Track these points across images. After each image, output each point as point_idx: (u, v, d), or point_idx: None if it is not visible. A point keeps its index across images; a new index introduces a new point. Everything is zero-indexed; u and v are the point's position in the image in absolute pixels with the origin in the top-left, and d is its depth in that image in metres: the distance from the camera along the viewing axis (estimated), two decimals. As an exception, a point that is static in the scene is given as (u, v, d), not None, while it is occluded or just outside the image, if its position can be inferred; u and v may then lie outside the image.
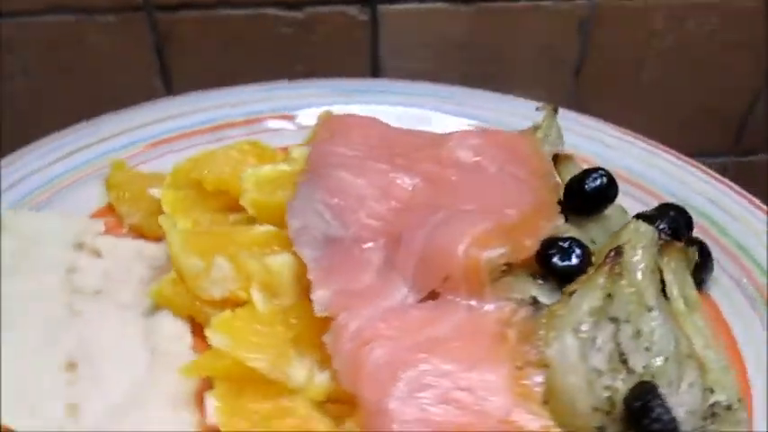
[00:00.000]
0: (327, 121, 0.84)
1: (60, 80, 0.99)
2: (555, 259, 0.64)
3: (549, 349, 0.56)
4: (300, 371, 0.58)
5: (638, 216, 0.72)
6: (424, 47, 1.06)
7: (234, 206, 0.76)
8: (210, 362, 0.58)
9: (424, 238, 0.63)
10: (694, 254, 0.68)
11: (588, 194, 0.75)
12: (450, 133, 0.78)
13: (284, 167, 0.75)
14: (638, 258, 0.63)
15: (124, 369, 0.60)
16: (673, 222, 0.72)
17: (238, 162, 0.78)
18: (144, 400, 0.57)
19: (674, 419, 0.52)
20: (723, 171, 1.12)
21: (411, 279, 0.62)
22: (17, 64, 0.97)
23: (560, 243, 0.65)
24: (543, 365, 0.56)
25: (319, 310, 0.59)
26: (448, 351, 0.55)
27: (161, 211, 0.76)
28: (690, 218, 0.76)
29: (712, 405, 0.57)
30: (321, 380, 0.57)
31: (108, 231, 0.76)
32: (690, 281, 0.67)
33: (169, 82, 1.05)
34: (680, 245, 0.66)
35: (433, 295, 0.62)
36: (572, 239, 0.66)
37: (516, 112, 0.93)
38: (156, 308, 0.67)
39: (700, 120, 1.08)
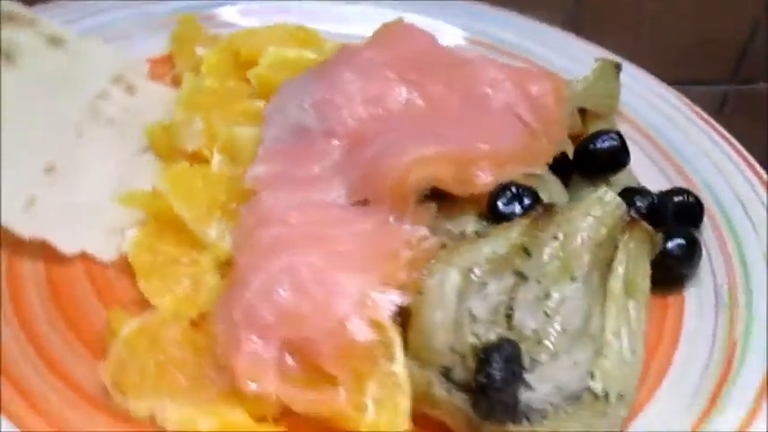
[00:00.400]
0: (389, 26, 0.85)
1: None
2: (499, 202, 0.62)
3: (429, 278, 0.56)
4: (213, 230, 0.62)
5: (626, 190, 0.68)
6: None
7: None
8: (147, 199, 0.64)
9: (377, 147, 0.64)
10: (658, 241, 0.62)
11: (595, 156, 0.71)
12: (476, 59, 0.76)
13: (309, 55, 0.77)
14: (586, 226, 0.60)
15: (90, 184, 0.67)
16: (653, 204, 0.66)
17: (278, 40, 0.81)
18: (87, 213, 0.65)
19: (507, 381, 0.50)
20: (723, 100, 1.06)
21: (350, 183, 0.63)
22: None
23: (512, 189, 0.63)
24: (418, 291, 0.55)
25: (248, 181, 0.62)
26: (333, 250, 0.57)
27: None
28: (699, 208, 0.70)
29: (585, 390, 0.54)
30: (228, 242, 0.61)
31: (152, 76, 0.83)
32: (645, 268, 0.62)
33: None
34: (645, 227, 0.61)
35: (363, 204, 0.62)
36: (527, 188, 0.63)
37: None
38: (145, 149, 0.73)
39: (700, 49, 1.00)
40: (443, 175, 0.61)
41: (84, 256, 0.63)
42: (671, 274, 0.66)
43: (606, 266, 0.61)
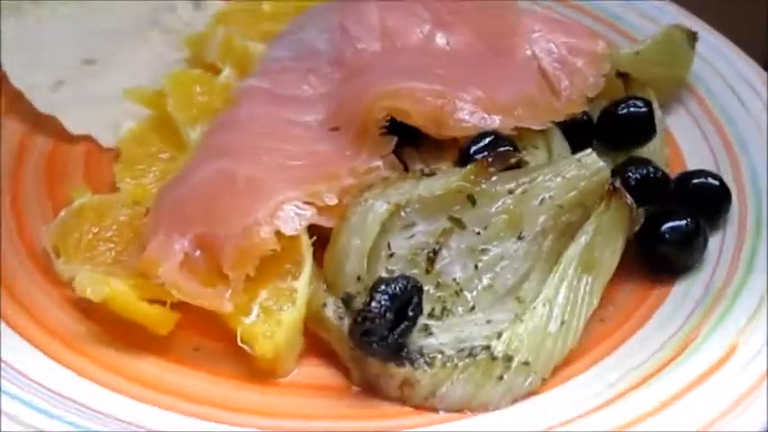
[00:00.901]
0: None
1: None
2: (472, 148, 0.59)
3: (355, 204, 0.54)
4: (198, 133, 0.64)
5: (629, 159, 0.61)
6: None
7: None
8: (150, 96, 0.67)
9: (366, 78, 0.63)
10: (638, 218, 0.55)
11: (617, 123, 0.65)
12: (533, 13, 0.71)
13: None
14: (552, 185, 0.55)
15: (116, 80, 0.72)
16: (648, 178, 0.59)
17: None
18: (101, 103, 0.70)
19: (382, 315, 0.48)
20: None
21: (329, 109, 0.63)
22: None
23: (490, 137, 0.59)
24: (341, 217, 0.54)
25: (233, 92, 0.64)
26: (277, 162, 0.57)
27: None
28: (723, 193, 0.61)
29: (484, 348, 0.50)
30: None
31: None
32: (616, 244, 0.55)
33: None
34: (625, 200, 0.55)
35: (334, 130, 0.62)
36: (506, 139, 0.59)
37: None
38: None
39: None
40: (409, 110, 0.58)
41: (88, 139, 0.67)
42: (662, 260, 0.59)
43: (569, 233, 0.55)
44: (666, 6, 0.81)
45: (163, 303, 0.52)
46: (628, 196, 0.55)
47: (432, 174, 0.56)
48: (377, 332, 0.48)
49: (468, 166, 0.55)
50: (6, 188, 0.63)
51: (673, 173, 0.66)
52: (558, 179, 0.55)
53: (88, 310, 0.54)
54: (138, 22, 0.80)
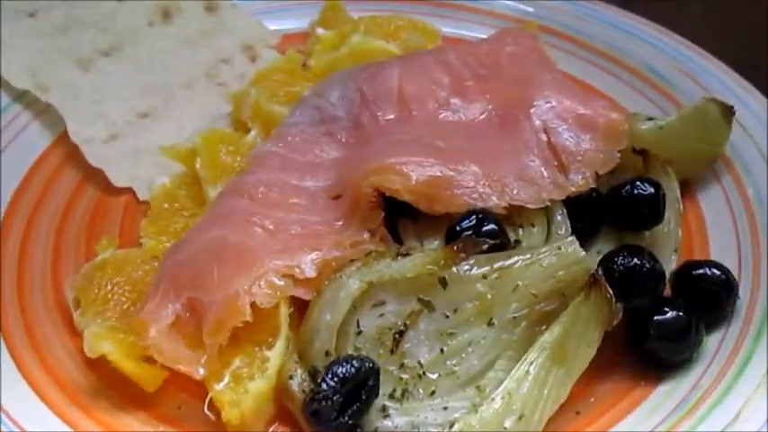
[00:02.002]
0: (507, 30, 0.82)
1: None
2: (458, 227, 0.59)
3: (330, 280, 0.56)
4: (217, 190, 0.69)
5: (623, 246, 0.59)
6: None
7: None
8: (184, 153, 0.73)
9: (372, 148, 0.65)
10: (618, 312, 0.54)
11: (623, 204, 0.64)
12: (558, 83, 0.71)
13: (393, 49, 0.79)
14: (529, 274, 0.55)
15: (165, 136, 0.78)
16: (636, 270, 0.57)
17: (389, 31, 0.84)
18: (142, 159, 0.76)
19: (328, 397, 0.50)
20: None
21: (335, 177, 0.65)
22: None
23: (479, 215, 0.59)
24: (316, 291, 0.57)
25: (249, 157, 0.68)
26: (268, 230, 0.60)
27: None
28: (727, 292, 0.58)
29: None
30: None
31: (282, 49, 0.91)
32: (592, 337, 0.55)
33: None
34: (605, 294, 0.54)
35: (335, 198, 0.64)
36: (495, 220, 0.59)
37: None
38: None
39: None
40: (398, 187, 0.59)
41: (130, 191, 0.74)
42: (649, 355, 0.57)
43: (544, 321, 0.55)
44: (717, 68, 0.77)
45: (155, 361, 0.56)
46: (608, 289, 0.54)
47: (407, 254, 0.57)
48: (325, 412, 0.50)
49: (438, 250, 0.56)
50: (51, 237, 0.70)
51: (690, 256, 0.63)
52: (535, 267, 0.55)
53: (95, 362, 0.58)
54: (195, 74, 0.86)
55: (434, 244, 0.61)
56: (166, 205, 0.71)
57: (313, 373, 0.54)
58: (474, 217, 0.59)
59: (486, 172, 0.62)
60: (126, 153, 0.77)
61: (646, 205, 0.61)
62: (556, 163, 0.65)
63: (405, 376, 0.54)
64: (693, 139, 0.68)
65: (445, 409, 0.52)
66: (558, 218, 0.62)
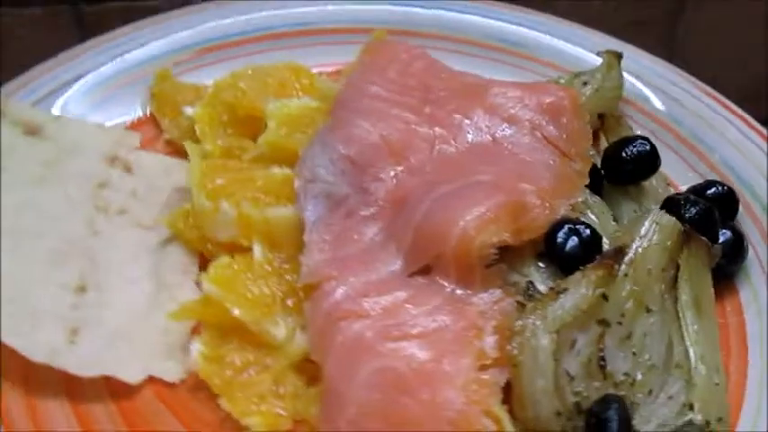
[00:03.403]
0: (373, 44, 0.81)
1: None
2: (560, 242, 0.62)
3: (521, 350, 0.55)
4: (282, 329, 0.60)
5: (669, 200, 0.68)
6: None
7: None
8: (200, 308, 0.61)
9: (426, 208, 0.62)
10: (718, 252, 0.64)
11: (626, 163, 0.71)
12: (490, 82, 0.74)
13: (310, 103, 0.74)
14: (651, 255, 0.60)
15: (128, 298, 0.64)
16: (702, 211, 0.66)
17: (272, 88, 0.77)
18: (139, 335, 0.61)
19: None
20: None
21: (405, 250, 0.62)
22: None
23: (569, 225, 0.62)
24: (512, 364, 0.55)
25: (305, 277, 0.60)
26: (418, 338, 0.56)
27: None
28: (735, 199, 0.71)
29: (687, 423, 0.56)
30: (301, 341, 0.59)
31: (145, 144, 0.78)
32: (707, 280, 0.63)
33: None
34: (701, 239, 0.62)
35: (425, 269, 0.61)
36: (582, 223, 0.63)
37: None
38: (169, 237, 0.69)
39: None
40: (506, 233, 0.59)
41: (151, 381, 0.60)
42: (720, 271, 0.67)
43: (673, 287, 0.61)
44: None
45: None
46: (701, 237, 0.63)
47: (561, 289, 0.58)
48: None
49: (595, 273, 0.58)
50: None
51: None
52: (651, 247, 0.61)
53: None
54: (86, 216, 0.69)
55: (532, 269, 0.63)
56: (225, 373, 0.59)
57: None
58: (565, 227, 0.62)
59: (537, 186, 0.65)
60: (108, 341, 0.61)
61: (650, 157, 0.70)
62: (559, 153, 0.70)
63: (622, 393, 0.57)
64: (611, 89, 0.79)
65: (670, 398, 0.57)
66: (597, 198, 0.69)
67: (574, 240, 0.62)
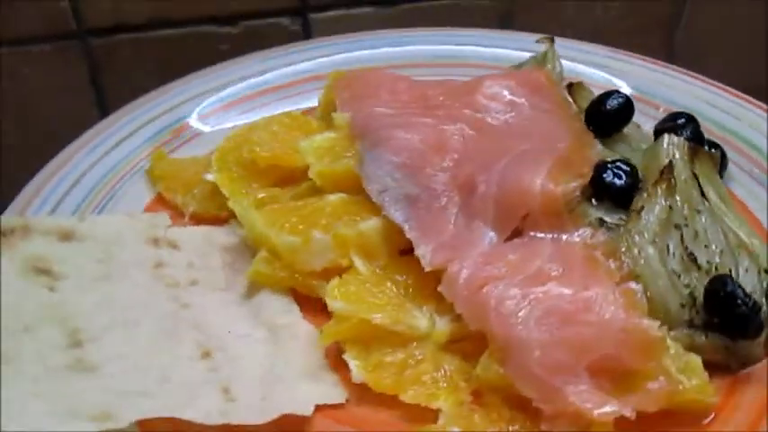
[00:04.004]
0: (342, 80, 0.88)
1: None
2: (609, 180, 0.71)
3: (637, 262, 0.64)
4: (422, 320, 0.63)
5: (660, 131, 0.81)
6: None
7: (285, 179, 0.80)
8: (337, 327, 0.63)
9: (497, 181, 0.69)
10: (718, 156, 0.77)
11: (609, 115, 0.82)
12: (477, 79, 0.83)
13: (332, 135, 0.79)
14: (680, 169, 0.71)
15: (252, 350, 0.64)
16: (693, 131, 0.80)
17: (283, 135, 0.81)
18: (284, 374, 0.62)
19: (755, 302, 0.61)
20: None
21: (492, 222, 0.68)
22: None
23: (610, 165, 0.72)
24: (635, 277, 0.63)
25: (427, 266, 0.64)
26: (554, 279, 0.62)
27: (216, 195, 0.79)
28: (697, 123, 0.85)
29: (768, 283, 0.67)
30: (442, 324, 0.63)
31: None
32: (719, 180, 0.76)
33: (106, 111, 1.05)
34: (706, 150, 0.75)
35: (515, 233, 0.68)
36: (619, 161, 0.73)
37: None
38: (251, 288, 0.70)
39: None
40: (577, 178, 0.68)
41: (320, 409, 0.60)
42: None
43: (701, 191, 0.73)
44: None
45: None
46: (705, 149, 0.76)
47: (641, 208, 0.68)
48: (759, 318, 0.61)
49: (659, 188, 0.68)
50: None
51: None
52: (680, 161, 0.72)
53: None
54: (165, 293, 0.69)
55: (590, 209, 0.72)
56: (393, 373, 0.62)
57: (690, 325, 0.63)
58: (608, 167, 0.72)
59: (567, 142, 0.75)
60: (263, 387, 0.61)
61: (627, 108, 0.83)
62: (561, 118, 0.80)
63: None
64: (554, 68, 0.91)
65: (747, 271, 0.68)
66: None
67: (620, 176, 0.71)
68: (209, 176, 0.79)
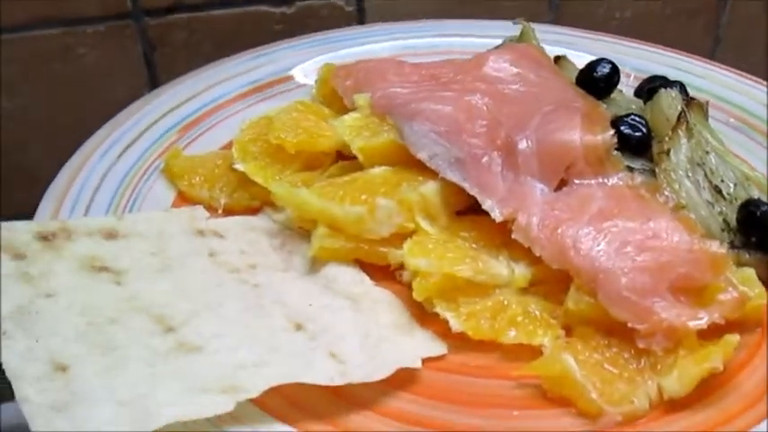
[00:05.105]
0: (340, 71, 0.90)
1: (48, 96, 0.93)
2: (628, 131, 0.77)
3: (680, 195, 0.70)
4: (501, 268, 0.66)
5: (650, 90, 0.88)
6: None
7: (311, 163, 0.81)
8: (425, 283, 0.64)
9: (536, 138, 0.74)
10: (707, 107, 0.85)
11: (599, 81, 0.89)
12: (479, 55, 0.87)
13: (359, 115, 0.80)
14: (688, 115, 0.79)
15: (341, 317, 0.64)
16: (679, 86, 0.88)
17: (304, 121, 0.82)
18: (381, 334, 0.63)
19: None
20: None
21: (539, 175, 0.72)
22: (3, 81, 0.90)
23: (625, 119, 0.78)
24: (681, 207, 0.70)
25: (498, 217, 0.68)
26: (617, 215, 0.67)
27: (244, 185, 0.78)
28: (675, 81, 0.94)
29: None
30: (520, 270, 0.67)
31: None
32: (711, 127, 0.84)
33: None
34: (697, 101, 0.83)
35: (561, 183, 0.72)
36: (632, 114, 0.80)
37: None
38: (314, 265, 0.70)
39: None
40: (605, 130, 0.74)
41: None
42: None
43: (700, 136, 0.81)
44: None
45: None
46: (695, 99, 0.84)
47: (668, 150, 0.74)
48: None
49: (680, 129, 0.75)
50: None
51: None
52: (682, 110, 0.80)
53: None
54: (239, 282, 0.68)
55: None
56: (488, 318, 0.64)
57: (732, 245, 0.70)
58: (623, 121, 0.79)
59: (580, 103, 0.80)
60: (368, 348, 0.62)
61: (614, 73, 0.90)
62: (563, 84, 0.86)
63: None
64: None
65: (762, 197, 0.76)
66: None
67: (636, 128, 0.78)
68: (239, 166, 0.78)
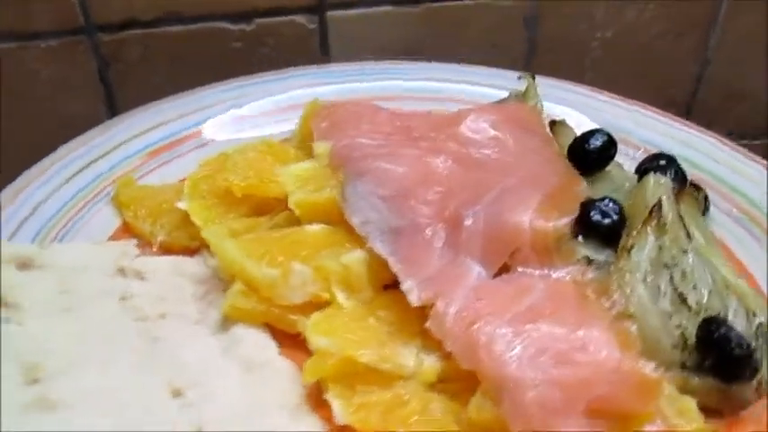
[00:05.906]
0: (321, 110, 0.86)
1: (1, 111, 0.93)
2: (597, 218, 0.70)
3: (630, 301, 0.62)
4: (409, 358, 0.60)
5: (644, 170, 0.80)
6: (374, 50, 1.07)
7: (261, 208, 0.77)
8: (320, 364, 0.59)
9: (484, 215, 0.67)
10: (702, 197, 0.76)
11: (592, 154, 0.81)
12: (461, 111, 0.81)
13: (313, 164, 0.76)
14: (667, 208, 0.70)
15: (230, 385, 0.60)
16: (675, 172, 0.79)
17: (259, 163, 0.78)
18: (261, 411, 0.58)
19: (749, 344, 0.60)
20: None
21: (480, 257, 0.66)
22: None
23: (597, 203, 0.71)
24: (627, 316, 0.62)
25: (415, 301, 0.62)
26: (547, 317, 0.60)
27: (186, 224, 0.75)
28: (679, 164, 0.85)
29: (758, 326, 0.66)
30: (430, 363, 0.61)
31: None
32: (702, 221, 0.75)
33: (114, 108, 1.02)
34: (691, 191, 0.75)
35: (503, 269, 0.66)
36: (606, 198, 0.72)
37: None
38: (226, 323, 0.66)
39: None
40: (565, 215, 0.67)
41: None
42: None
43: (687, 232, 0.73)
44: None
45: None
46: (689, 189, 0.75)
47: (631, 246, 0.66)
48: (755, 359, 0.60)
49: (649, 226, 0.67)
50: None
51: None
52: (666, 201, 0.71)
53: None
54: (132, 326, 0.65)
55: (578, 246, 0.70)
56: (372, 414, 0.58)
57: (683, 367, 0.62)
58: (595, 205, 0.70)
59: (557, 178, 0.73)
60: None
61: (609, 146, 0.82)
62: (547, 155, 0.79)
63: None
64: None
65: (736, 312, 0.67)
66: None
67: (607, 214, 0.70)
68: (181, 205, 0.75)
